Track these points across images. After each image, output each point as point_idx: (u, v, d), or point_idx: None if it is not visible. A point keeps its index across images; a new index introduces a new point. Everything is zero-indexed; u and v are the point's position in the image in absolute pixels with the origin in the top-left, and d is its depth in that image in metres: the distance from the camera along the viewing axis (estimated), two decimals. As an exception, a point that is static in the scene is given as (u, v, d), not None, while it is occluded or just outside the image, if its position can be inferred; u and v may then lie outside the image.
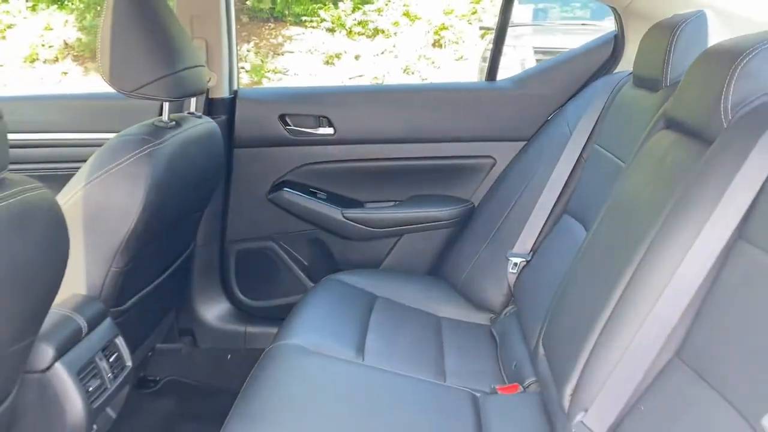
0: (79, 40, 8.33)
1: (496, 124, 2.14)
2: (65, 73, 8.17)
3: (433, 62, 8.41)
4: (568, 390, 1.15)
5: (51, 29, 8.45)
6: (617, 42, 2.04)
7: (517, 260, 1.81)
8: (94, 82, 7.75)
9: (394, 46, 8.48)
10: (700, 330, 0.98)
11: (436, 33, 8.57)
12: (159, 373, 2.12)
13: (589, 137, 1.81)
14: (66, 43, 8.40)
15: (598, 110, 1.80)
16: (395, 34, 8.59)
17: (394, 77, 8.09)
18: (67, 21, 8.50)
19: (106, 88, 1.44)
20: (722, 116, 1.04)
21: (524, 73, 2.23)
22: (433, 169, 2.19)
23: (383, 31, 8.61)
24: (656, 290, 1.01)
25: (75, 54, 8.37)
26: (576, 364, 1.14)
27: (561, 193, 1.82)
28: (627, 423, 1.03)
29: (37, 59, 8.33)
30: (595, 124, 1.80)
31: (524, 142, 2.10)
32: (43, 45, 8.35)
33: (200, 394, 2.10)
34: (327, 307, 1.74)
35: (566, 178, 1.82)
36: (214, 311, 2.19)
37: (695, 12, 1.43)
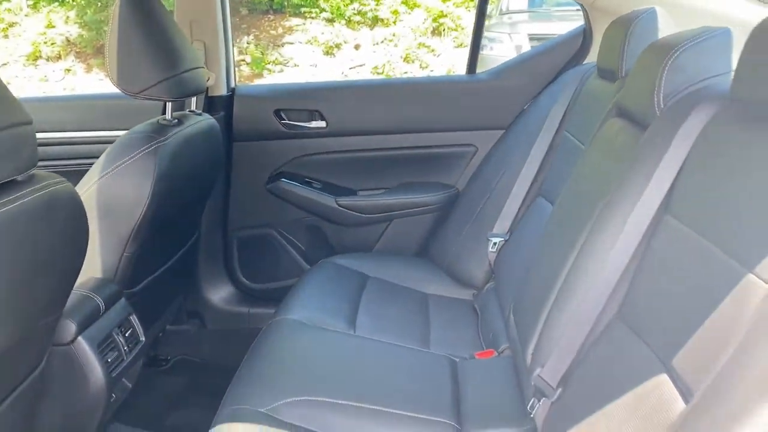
0: (81, 36, 8.26)
1: (477, 114, 2.26)
2: (68, 70, 8.19)
3: (433, 50, 8.46)
4: (530, 350, 1.30)
5: (53, 26, 8.46)
6: (586, 35, 2.16)
7: (497, 240, 1.95)
8: (98, 79, 7.83)
9: (393, 35, 8.52)
10: (635, 293, 1.13)
11: (434, 21, 8.61)
12: (169, 352, 2.26)
13: (560, 125, 1.93)
14: (68, 40, 8.40)
15: (567, 99, 1.93)
16: (394, 22, 8.63)
17: (395, 66, 8.16)
18: (68, 17, 8.53)
19: (112, 88, 1.57)
20: (656, 106, 1.18)
21: (501, 66, 2.34)
22: (419, 157, 2.31)
23: (382, 20, 8.66)
24: (599, 260, 1.16)
25: (77, 50, 8.38)
26: (536, 327, 1.30)
27: (535, 178, 1.95)
28: (576, 374, 1.18)
29: (40, 57, 8.33)
30: (565, 112, 1.93)
31: (503, 131, 2.23)
32: (45, 42, 8.30)
33: (208, 372, 2.23)
34: (322, 287, 1.88)
35: (540, 163, 1.95)
36: (219, 294, 2.33)
37: (648, 8, 1.56)
